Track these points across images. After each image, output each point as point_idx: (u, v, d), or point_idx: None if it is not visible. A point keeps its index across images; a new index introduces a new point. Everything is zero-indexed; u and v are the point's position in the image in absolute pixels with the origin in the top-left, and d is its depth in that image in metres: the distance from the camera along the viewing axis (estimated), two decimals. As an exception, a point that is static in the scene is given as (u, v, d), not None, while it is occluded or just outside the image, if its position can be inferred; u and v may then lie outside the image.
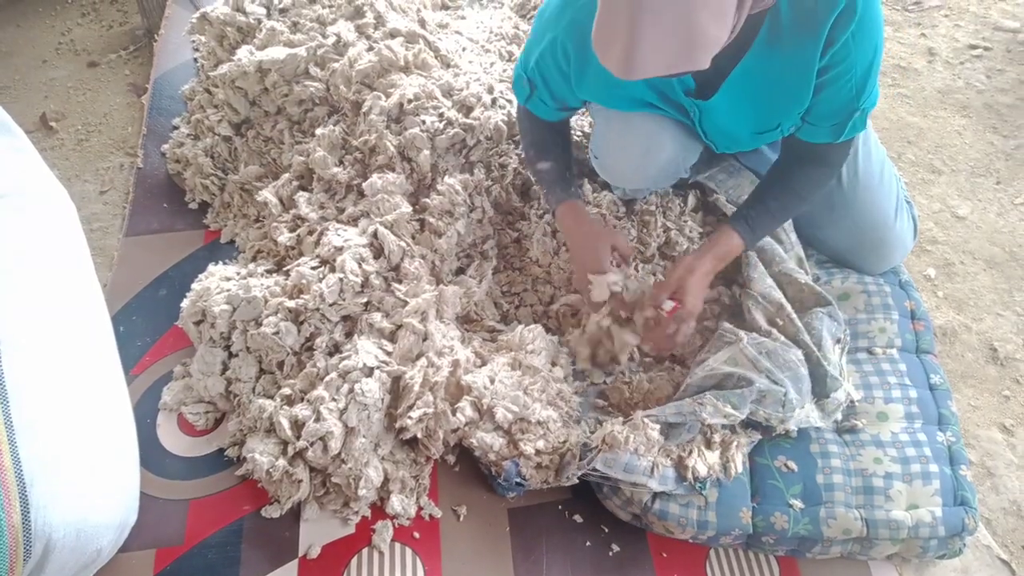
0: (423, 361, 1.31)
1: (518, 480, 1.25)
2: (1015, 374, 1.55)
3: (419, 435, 1.28)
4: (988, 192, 1.90)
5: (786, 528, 1.19)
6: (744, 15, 0.91)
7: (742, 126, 1.25)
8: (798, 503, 1.21)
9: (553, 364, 1.38)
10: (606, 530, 1.28)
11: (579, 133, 1.77)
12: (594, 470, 1.22)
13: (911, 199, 1.56)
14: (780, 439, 1.29)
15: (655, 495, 1.21)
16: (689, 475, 1.20)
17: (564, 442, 1.27)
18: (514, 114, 1.65)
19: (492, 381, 1.30)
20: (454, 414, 1.27)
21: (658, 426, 1.23)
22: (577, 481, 1.26)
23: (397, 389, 1.31)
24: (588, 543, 1.27)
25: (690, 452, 1.22)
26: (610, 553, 1.26)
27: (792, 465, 1.25)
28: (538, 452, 1.26)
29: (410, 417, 1.25)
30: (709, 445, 1.24)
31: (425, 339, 1.34)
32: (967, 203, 1.88)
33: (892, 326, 1.45)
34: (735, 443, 1.25)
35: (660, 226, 1.57)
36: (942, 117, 2.10)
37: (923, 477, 1.23)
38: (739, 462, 1.23)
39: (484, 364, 1.36)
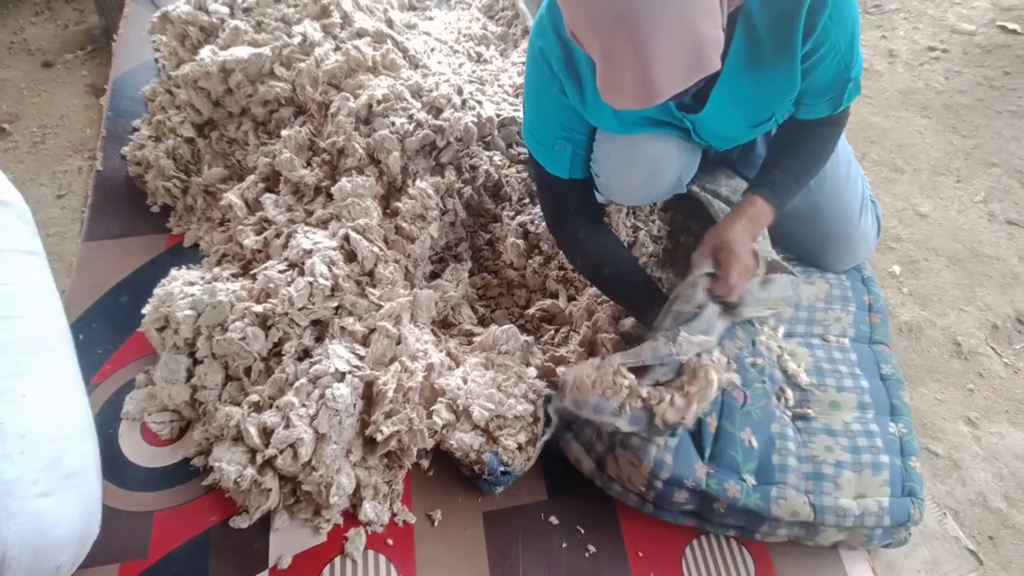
0: (396, 366, 1.29)
1: (503, 469, 1.24)
2: (978, 368, 1.59)
3: (392, 448, 1.26)
4: (949, 190, 1.95)
5: (737, 497, 1.19)
6: (726, 14, 0.91)
7: (737, 126, 1.25)
8: (751, 479, 1.22)
9: (527, 365, 1.37)
10: (582, 531, 1.28)
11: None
12: (565, 409, 1.22)
13: (876, 198, 1.59)
14: (751, 409, 1.28)
15: None
16: (658, 421, 1.18)
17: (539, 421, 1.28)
18: (483, 116, 1.63)
19: (465, 381, 1.29)
20: (430, 417, 1.25)
21: (631, 376, 1.19)
22: (550, 436, 1.27)
23: (370, 394, 1.29)
24: (564, 544, 1.26)
25: (659, 400, 1.18)
26: (586, 554, 1.25)
27: (754, 441, 1.26)
28: (520, 446, 1.26)
29: (381, 432, 1.23)
30: (684, 389, 1.19)
31: (399, 343, 1.32)
32: (929, 201, 1.92)
33: (848, 316, 1.48)
34: (712, 368, 1.20)
35: (630, 226, 1.58)
36: (903, 117, 2.14)
37: (873, 467, 1.24)
38: (718, 381, 1.19)
39: (458, 366, 1.35)
